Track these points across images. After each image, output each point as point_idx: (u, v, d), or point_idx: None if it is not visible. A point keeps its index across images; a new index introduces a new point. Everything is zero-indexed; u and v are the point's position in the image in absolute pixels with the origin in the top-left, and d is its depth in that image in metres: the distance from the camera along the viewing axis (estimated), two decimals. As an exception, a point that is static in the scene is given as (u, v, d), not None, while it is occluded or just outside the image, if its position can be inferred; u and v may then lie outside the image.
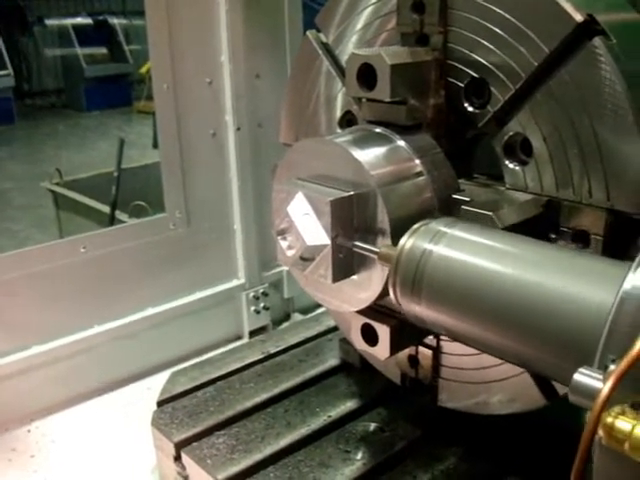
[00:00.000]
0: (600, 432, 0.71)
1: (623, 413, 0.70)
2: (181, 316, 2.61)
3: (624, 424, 0.70)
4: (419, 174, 1.37)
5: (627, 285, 0.80)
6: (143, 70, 11.25)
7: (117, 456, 2.10)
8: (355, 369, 2.03)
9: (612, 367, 0.72)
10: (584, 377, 0.77)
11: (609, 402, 0.70)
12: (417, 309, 1.16)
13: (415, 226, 1.20)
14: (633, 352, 0.70)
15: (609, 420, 0.70)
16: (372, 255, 1.27)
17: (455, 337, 1.17)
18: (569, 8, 1.23)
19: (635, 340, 0.71)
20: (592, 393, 0.73)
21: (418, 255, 1.15)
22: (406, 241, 1.18)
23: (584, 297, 0.94)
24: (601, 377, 0.74)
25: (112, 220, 4.40)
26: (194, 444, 1.77)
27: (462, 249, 1.13)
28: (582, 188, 1.27)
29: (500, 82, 1.36)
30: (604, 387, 0.70)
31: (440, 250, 1.14)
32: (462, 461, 1.68)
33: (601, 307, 0.88)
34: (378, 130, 1.43)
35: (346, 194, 1.30)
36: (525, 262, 1.06)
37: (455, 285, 1.10)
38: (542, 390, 1.42)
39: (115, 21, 13.50)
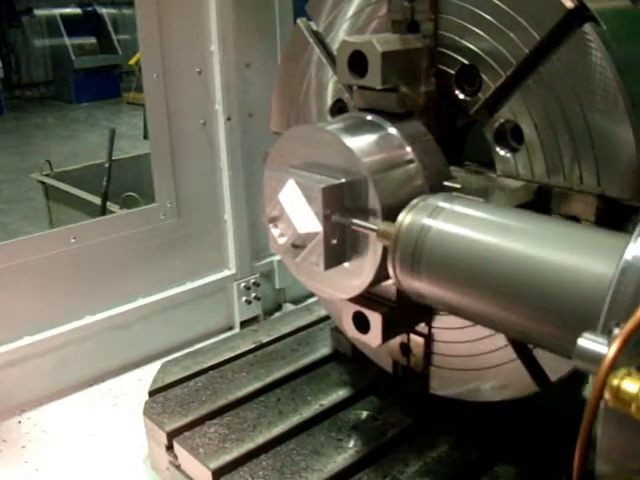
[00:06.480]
0: (606, 395, 0.70)
1: (629, 375, 0.70)
2: (172, 306, 2.61)
3: (631, 386, 0.70)
4: (410, 161, 1.37)
5: (628, 255, 0.80)
6: (132, 61, 11.21)
7: (108, 446, 2.09)
8: (347, 358, 2.04)
9: (617, 330, 0.72)
10: (588, 342, 0.76)
11: (614, 365, 0.70)
12: (417, 285, 1.16)
13: (413, 202, 1.20)
14: (638, 314, 0.70)
15: (615, 382, 0.70)
16: (371, 233, 1.26)
17: (455, 312, 1.17)
18: (560, -5, 1.23)
19: (639, 304, 0.71)
20: (597, 357, 0.73)
21: (417, 230, 1.15)
22: (405, 217, 1.18)
23: (585, 268, 0.94)
24: (605, 341, 0.74)
25: (103, 211, 4.39)
26: (186, 433, 1.77)
27: (461, 223, 1.13)
28: (573, 174, 1.28)
29: (491, 69, 1.36)
30: (610, 349, 0.70)
31: (439, 225, 1.14)
32: (454, 448, 1.68)
33: (602, 277, 0.89)
34: (369, 118, 1.43)
35: (337, 181, 1.29)
36: (524, 235, 1.06)
37: (454, 259, 1.10)
38: (533, 377, 1.42)
39: (104, 11, 13.42)
